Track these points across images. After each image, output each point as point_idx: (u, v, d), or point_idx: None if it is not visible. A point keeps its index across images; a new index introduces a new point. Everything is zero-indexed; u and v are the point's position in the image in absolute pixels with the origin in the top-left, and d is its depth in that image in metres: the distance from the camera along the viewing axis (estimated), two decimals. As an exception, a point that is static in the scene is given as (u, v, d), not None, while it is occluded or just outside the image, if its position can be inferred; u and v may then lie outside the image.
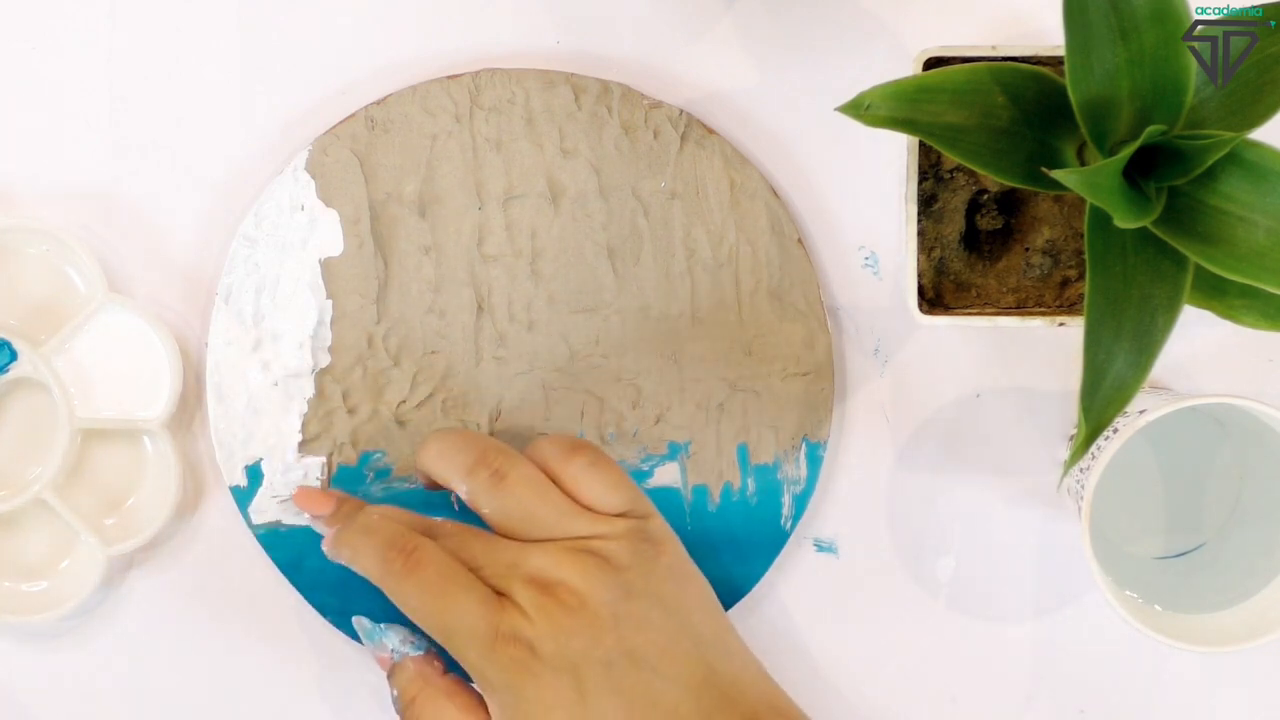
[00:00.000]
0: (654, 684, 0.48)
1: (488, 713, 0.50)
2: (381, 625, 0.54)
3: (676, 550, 0.53)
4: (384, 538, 0.51)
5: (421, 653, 0.53)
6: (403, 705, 0.52)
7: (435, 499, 0.59)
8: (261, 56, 0.60)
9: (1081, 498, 0.53)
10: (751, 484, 0.59)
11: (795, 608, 0.60)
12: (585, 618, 0.48)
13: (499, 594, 0.50)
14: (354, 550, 0.52)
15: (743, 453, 0.59)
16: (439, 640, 0.50)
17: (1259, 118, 0.45)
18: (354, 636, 0.59)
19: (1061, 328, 0.53)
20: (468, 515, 0.56)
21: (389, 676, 0.53)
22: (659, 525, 0.53)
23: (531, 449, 0.54)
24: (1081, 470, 0.54)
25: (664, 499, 0.59)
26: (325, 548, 0.54)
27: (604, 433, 0.59)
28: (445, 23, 0.60)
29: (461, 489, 0.53)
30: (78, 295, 0.59)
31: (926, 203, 0.54)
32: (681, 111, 0.59)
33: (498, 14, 0.60)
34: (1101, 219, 0.44)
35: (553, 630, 0.48)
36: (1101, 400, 0.45)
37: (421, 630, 0.51)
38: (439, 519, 0.54)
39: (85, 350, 0.59)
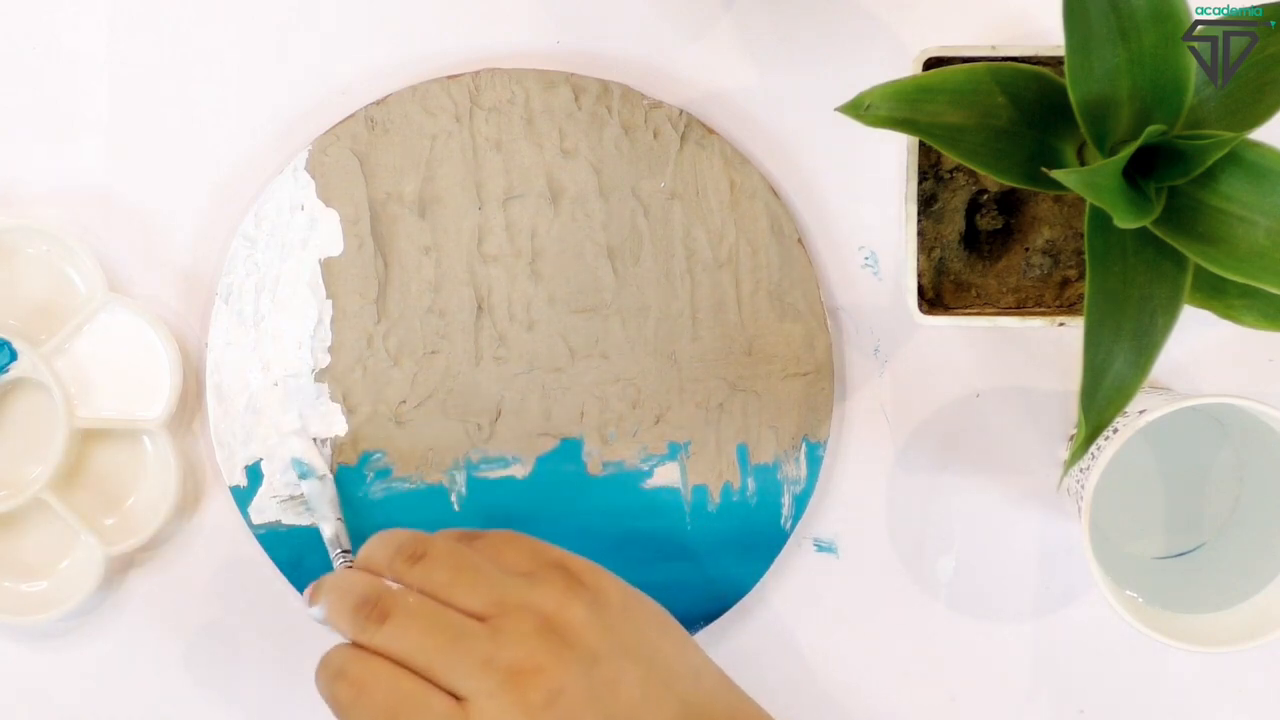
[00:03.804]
0: None
1: None
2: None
3: (614, 583, 0.50)
4: (332, 668, 0.48)
5: None
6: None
7: (435, 497, 0.59)
8: (261, 56, 0.60)
9: (1081, 498, 0.53)
10: (751, 484, 0.59)
11: (795, 608, 0.60)
12: (560, 709, 0.46)
13: (459, 699, 0.47)
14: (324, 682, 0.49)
15: (743, 453, 0.59)
16: None
17: (1259, 118, 0.45)
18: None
19: (1061, 328, 0.53)
20: (467, 513, 0.56)
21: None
22: (577, 562, 0.50)
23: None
24: (1081, 470, 0.54)
25: (664, 499, 0.59)
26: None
27: (604, 433, 0.59)
28: (445, 23, 0.60)
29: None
30: (78, 295, 0.59)
31: (926, 203, 0.54)
32: (681, 111, 0.59)
33: (498, 14, 0.60)
34: (1101, 219, 0.44)
35: None
36: (1101, 400, 0.45)
37: None
38: (430, 540, 0.50)
39: (85, 350, 0.59)
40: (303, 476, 0.58)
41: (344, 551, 0.56)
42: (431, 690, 0.47)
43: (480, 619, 0.48)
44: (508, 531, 0.52)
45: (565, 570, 0.49)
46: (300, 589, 0.59)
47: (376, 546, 0.50)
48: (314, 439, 0.59)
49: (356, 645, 0.48)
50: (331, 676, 0.48)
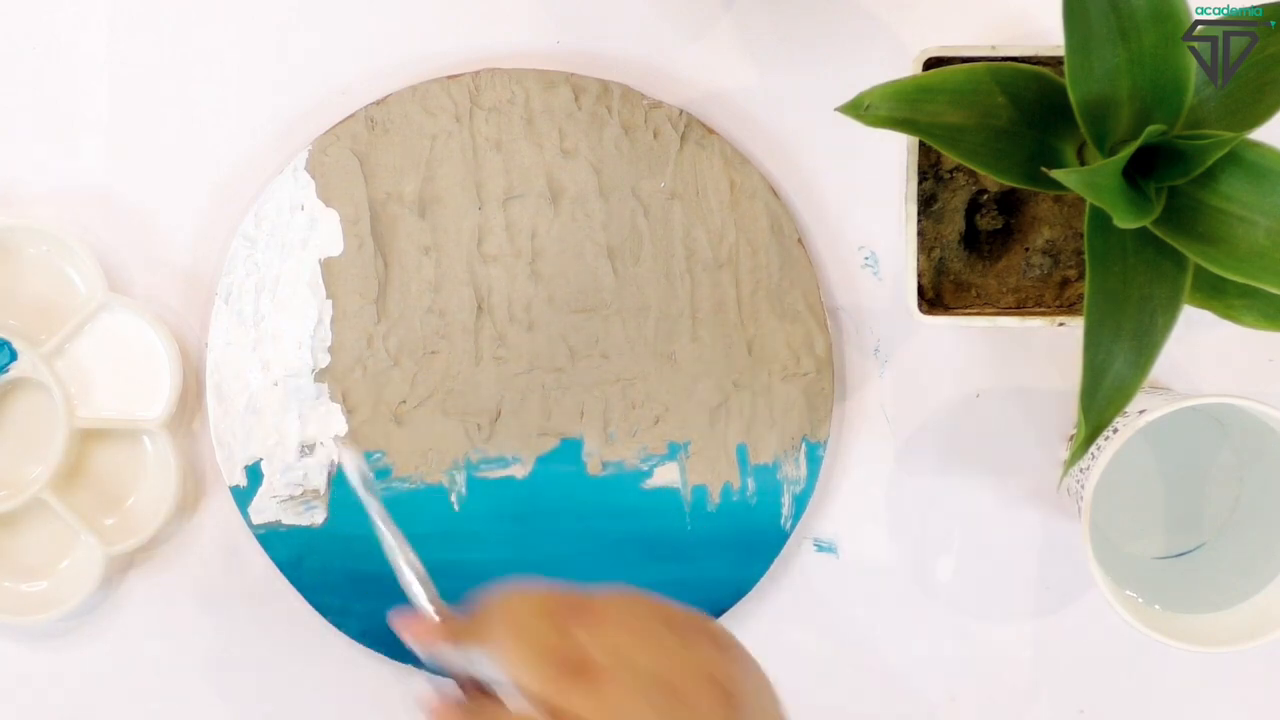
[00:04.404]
0: None
1: None
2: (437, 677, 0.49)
3: (758, 689, 0.48)
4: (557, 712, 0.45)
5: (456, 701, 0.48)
6: None
7: (435, 497, 0.59)
8: (261, 56, 0.60)
9: (1081, 498, 0.53)
10: (751, 484, 0.59)
11: (795, 608, 0.60)
12: None
13: None
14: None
15: (743, 453, 0.59)
16: None
17: (1259, 118, 0.45)
18: (352, 636, 0.59)
19: (1061, 328, 0.53)
20: (467, 513, 0.56)
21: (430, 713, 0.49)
22: (729, 661, 0.48)
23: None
24: (1081, 470, 0.54)
25: (664, 499, 0.59)
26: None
27: (604, 433, 0.59)
28: (445, 23, 0.60)
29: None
30: (78, 295, 0.59)
31: (926, 203, 0.54)
32: (681, 111, 0.59)
33: (498, 14, 0.60)
34: (1101, 219, 0.44)
35: None
36: (1101, 400, 0.45)
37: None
38: (577, 624, 0.46)
39: (85, 350, 0.59)
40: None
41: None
42: None
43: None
44: (624, 597, 0.48)
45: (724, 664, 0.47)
46: (301, 589, 0.59)
47: (520, 660, 0.45)
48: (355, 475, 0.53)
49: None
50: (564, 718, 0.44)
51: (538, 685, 0.44)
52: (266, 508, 0.59)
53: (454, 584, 0.58)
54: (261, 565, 0.59)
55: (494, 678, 0.46)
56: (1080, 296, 0.54)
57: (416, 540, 0.60)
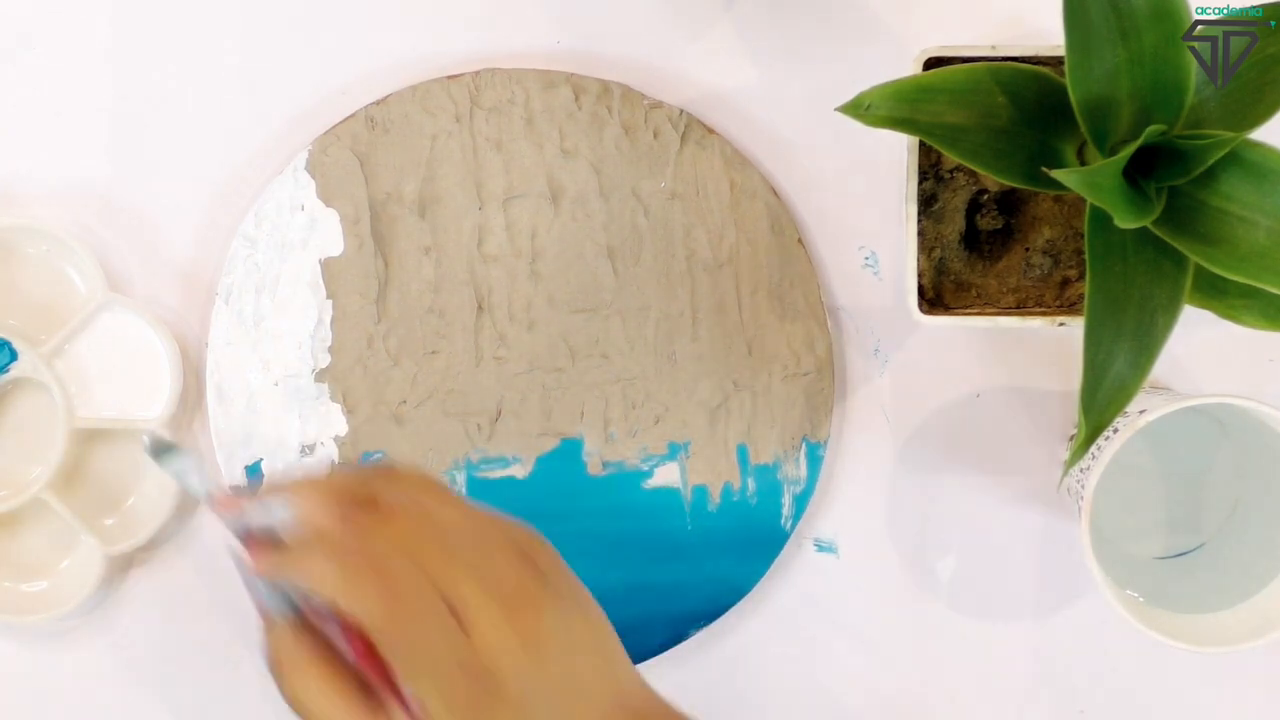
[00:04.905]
0: (581, 711, 0.47)
1: (356, 686, 0.46)
2: (261, 580, 0.48)
3: (564, 569, 0.49)
4: (341, 550, 0.46)
5: (293, 615, 0.48)
6: (270, 664, 0.48)
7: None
8: (261, 56, 0.60)
9: (1081, 498, 0.53)
10: (751, 484, 0.59)
11: (795, 608, 0.60)
12: (542, 649, 0.46)
13: (457, 611, 0.46)
14: (306, 570, 0.46)
15: (743, 453, 0.59)
16: (393, 662, 0.46)
17: (1259, 118, 0.45)
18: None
19: (1061, 328, 0.53)
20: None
21: (264, 631, 0.49)
22: (529, 534, 0.49)
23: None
24: (1081, 470, 0.54)
25: (664, 499, 0.59)
26: (264, 568, 0.48)
27: (604, 432, 0.59)
28: (445, 23, 0.60)
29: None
30: (78, 295, 0.59)
31: (926, 203, 0.54)
32: (681, 111, 0.59)
33: (498, 14, 0.60)
34: (1101, 219, 0.44)
35: (517, 667, 0.45)
36: (1101, 400, 0.45)
37: (295, 596, 0.47)
38: (372, 476, 0.49)
39: (85, 350, 0.59)
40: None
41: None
42: (438, 594, 0.45)
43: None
44: (418, 478, 0.49)
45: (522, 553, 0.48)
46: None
47: (310, 500, 0.47)
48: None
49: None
50: (345, 559, 0.45)
51: (327, 517, 0.46)
52: (266, 508, 0.59)
53: (454, 584, 0.58)
54: (261, 565, 0.59)
55: (284, 518, 0.47)
56: (1080, 296, 0.54)
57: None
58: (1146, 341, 0.45)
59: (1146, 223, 0.44)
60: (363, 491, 0.47)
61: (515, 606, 0.46)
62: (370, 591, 0.45)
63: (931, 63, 0.51)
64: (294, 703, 0.47)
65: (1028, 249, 0.55)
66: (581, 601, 0.49)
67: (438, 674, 0.45)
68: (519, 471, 0.59)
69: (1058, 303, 0.55)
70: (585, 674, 0.48)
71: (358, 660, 0.46)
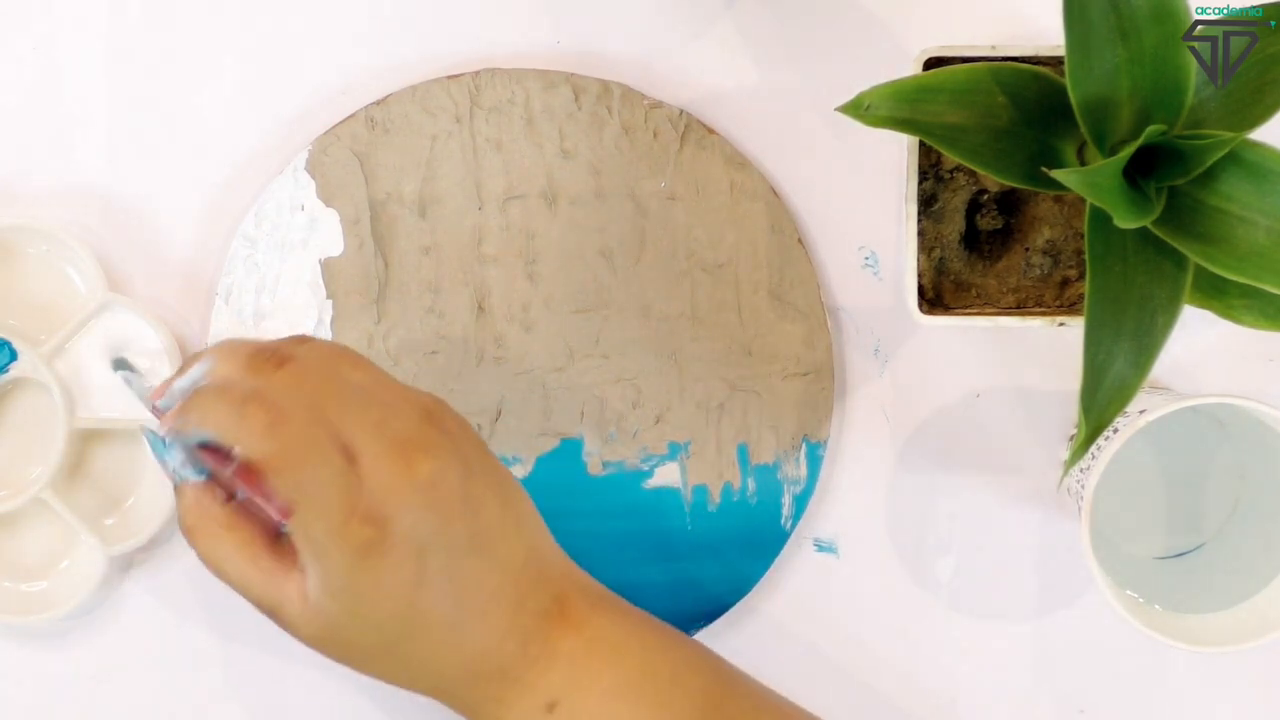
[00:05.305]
0: (484, 569, 0.47)
1: (265, 545, 0.47)
2: (166, 441, 0.49)
3: (471, 436, 0.50)
4: (239, 393, 0.47)
5: (202, 479, 0.48)
6: (183, 530, 0.48)
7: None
8: (261, 56, 0.60)
9: (1081, 498, 0.53)
10: (751, 484, 0.59)
11: (795, 608, 0.60)
12: (439, 497, 0.46)
13: (352, 456, 0.46)
14: (203, 412, 0.47)
15: (743, 453, 0.59)
16: (281, 497, 0.46)
17: (1259, 118, 0.45)
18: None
19: (1061, 328, 0.53)
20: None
21: (176, 496, 0.49)
22: (437, 400, 0.50)
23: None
24: (1081, 470, 0.54)
25: (664, 499, 0.59)
26: (169, 425, 0.48)
27: (604, 432, 0.59)
28: (445, 23, 0.60)
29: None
30: (78, 295, 0.59)
31: (926, 203, 0.54)
32: (681, 111, 0.59)
33: (498, 14, 0.60)
34: (1101, 219, 0.44)
35: (409, 510, 0.45)
36: (1101, 400, 0.45)
37: (202, 455, 0.48)
38: (287, 341, 0.49)
39: (85, 350, 0.59)
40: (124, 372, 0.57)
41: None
42: (332, 437, 0.46)
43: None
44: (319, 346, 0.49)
45: (425, 395, 0.49)
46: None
47: (224, 358, 0.48)
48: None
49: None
50: (241, 399, 0.46)
51: (234, 369, 0.47)
52: (266, 508, 0.59)
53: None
54: (261, 565, 0.59)
55: (199, 376, 0.48)
56: (1080, 296, 0.54)
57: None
58: (1146, 341, 0.45)
59: (1146, 223, 0.44)
60: (276, 350, 0.48)
61: (410, 452, 0.46)
62: (259, 426, 0.45)
63: (931, 63, 0.51)
64: (208, 564, 0.48)
65: (1028, 249, 0.55)
66: (489, 466, 0.49)
67: (327, 510, 0.45)
68: (519, 471, 0.59)
69: (1058, 303, 0.55)
70: (490, 531, 0.47)
71: (252, 495, 0.46)
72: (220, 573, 0.47)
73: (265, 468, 0.45)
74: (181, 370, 0.49)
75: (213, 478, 0.48)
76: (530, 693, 0.48)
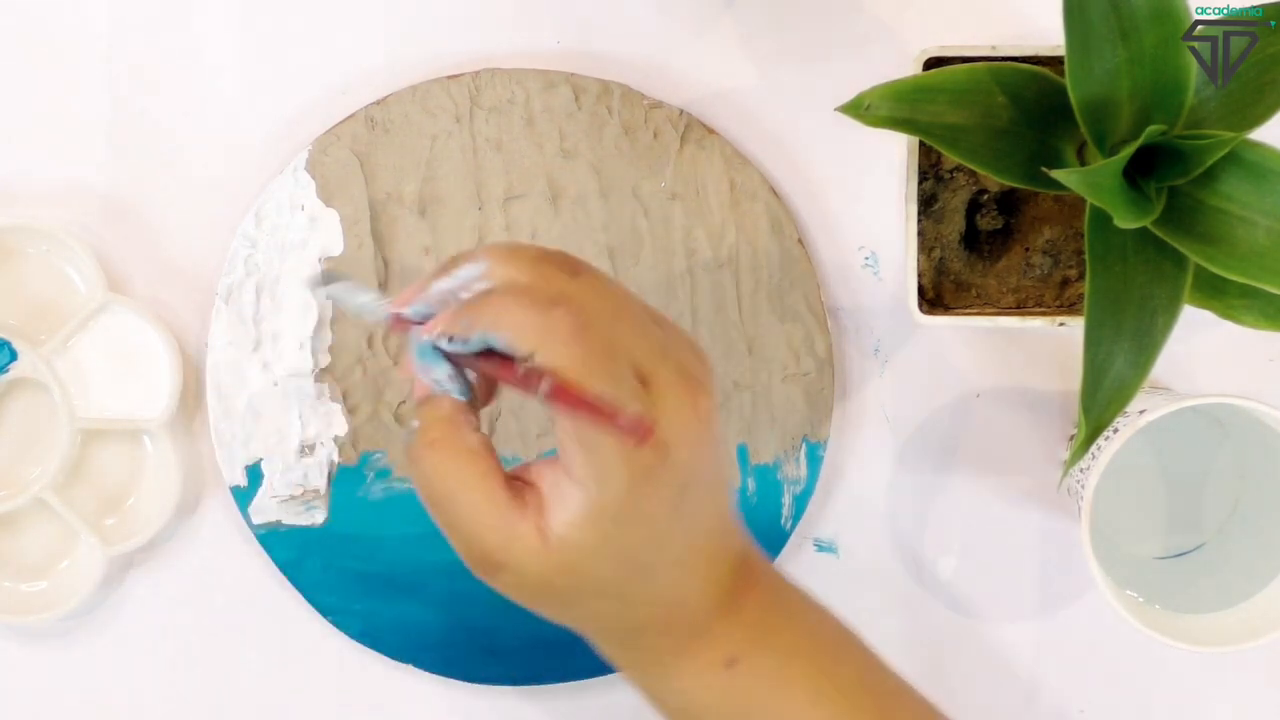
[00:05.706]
0: (712, 514, 0.47)
1: (502, 483, 0.44)
2: (437, 349, 0.45)
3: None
4: (544, 295, 0.44)
5: (464, 400, 0.46)
6: (420, 443, 0.45)
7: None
8: (261, 56, 0.60)
9: (1081, 498, 0.53)
10: (751, 484, 0.59)
11: (795, 608, 0.60)
12: (707, 431, 0.45)
13: (643, 378, 0.44)
14: (497, 314, 0.44)
15: (743, 453, 0.59)
16: (565, 413, 0.43)
17: (1259, 118, 0.45)
18: (352, 635, 0.59)
19: (1061, 328, 0.53)
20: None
21: (418, 405, 0.46)
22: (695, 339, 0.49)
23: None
24: (1081, 470, 0.54)
25: (664, 499, 0.59)
26: (442, 327, 0.45)
27: (604, 433, 0.59)
28: (445, 23, 0.60)
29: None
30: (78, 295, 0.59)
31: (926, 203, 0.54)
32: (681, 111, 0.59)
33: (498, 14, 0.60)
34: (1101, 219, 0.44)
35: (687, 443, 0.44)
36: (1101, 400, 0.45)
37: (468, 379, 0.46)
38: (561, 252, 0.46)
39: (85, 350, 0.59)
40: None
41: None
42: (627, 353, 0.44)
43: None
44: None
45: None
46: (301, 588, 0.59)
47: (505, 259, 0.45)
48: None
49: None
50: (548, 302, 0.43)
51: (522, 272, 0.44)
52: (267, 508, 0.59)
53: (455, 585, 0.58)
54: (261, 565, 0.59)
55: (473, 276, 0.44)
56: (1080, 296, 0.54)
57: (416, 540, 0.60)
58: (1146, 341, 0.45)
59: (1146, 223, 0.44)
60: (566, 258, 0.45)
61: (693, 385, 0.45)
62: (565, 332, 0.43)
63: (931, 63, 0.51)
64: (435, 485, 0.45)
65: (1028, 249, 0.55)
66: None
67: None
68: (519, 471, 0.59)
69: (1058, 303, 0.55)
70: (722, 476, 0.47)
71: (555, 404, 0.43)
72: (446, 497, 0.44)
73: (569, 383, 0.43)
74: (443, 270, 0.45)
75: (471, 402, 0.46)
76: (713, 646, 0.47)
